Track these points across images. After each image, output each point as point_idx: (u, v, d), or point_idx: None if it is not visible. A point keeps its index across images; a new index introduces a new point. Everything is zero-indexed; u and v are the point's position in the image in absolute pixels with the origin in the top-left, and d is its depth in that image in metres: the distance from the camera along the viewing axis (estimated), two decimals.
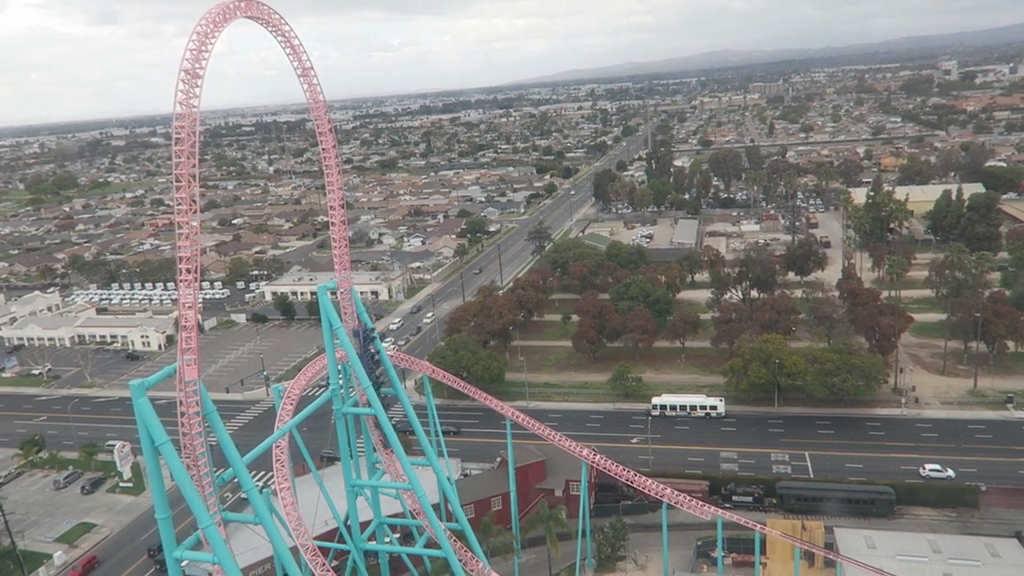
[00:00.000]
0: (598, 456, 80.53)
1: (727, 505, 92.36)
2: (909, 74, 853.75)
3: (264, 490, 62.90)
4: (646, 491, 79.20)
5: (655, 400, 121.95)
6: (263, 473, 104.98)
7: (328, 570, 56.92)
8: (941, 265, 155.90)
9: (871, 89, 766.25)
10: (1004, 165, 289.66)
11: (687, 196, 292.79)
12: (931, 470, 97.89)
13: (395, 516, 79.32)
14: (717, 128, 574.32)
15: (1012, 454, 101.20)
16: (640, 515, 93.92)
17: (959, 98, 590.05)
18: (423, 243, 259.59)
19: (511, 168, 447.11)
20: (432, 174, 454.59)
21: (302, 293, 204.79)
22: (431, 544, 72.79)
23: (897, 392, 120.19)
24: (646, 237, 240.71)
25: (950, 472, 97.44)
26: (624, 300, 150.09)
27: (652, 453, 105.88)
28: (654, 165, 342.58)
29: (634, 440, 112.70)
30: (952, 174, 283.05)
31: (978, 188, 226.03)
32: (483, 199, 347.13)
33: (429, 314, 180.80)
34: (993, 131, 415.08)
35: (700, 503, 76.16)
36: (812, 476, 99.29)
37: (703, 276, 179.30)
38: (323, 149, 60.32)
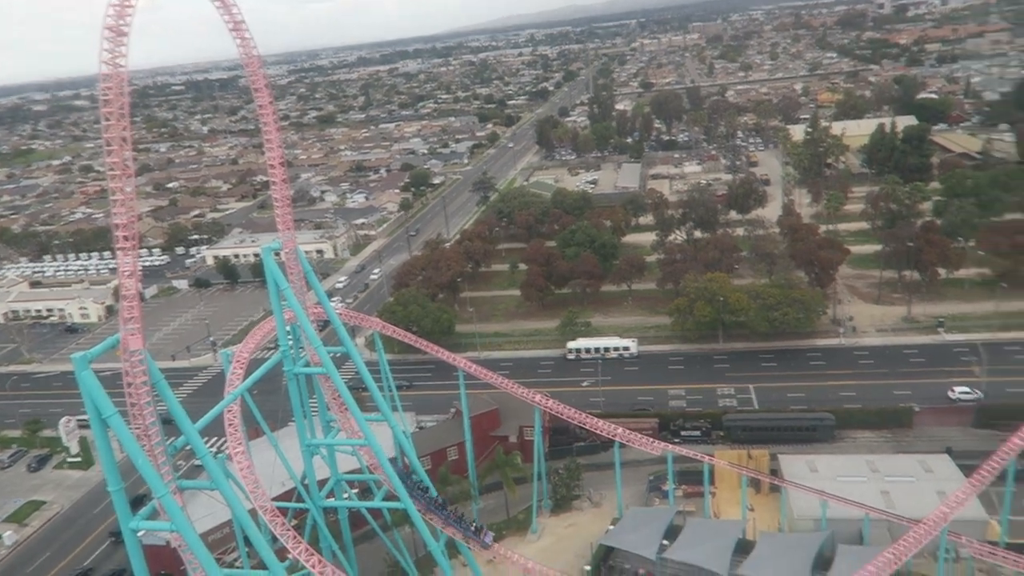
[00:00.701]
0: (551, 401, 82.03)
1: (676, 440, 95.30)
2: (844, 9, 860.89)
3: (218, 455, 62.65)
4: (598, 432, 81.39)
5: (570, 344, 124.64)
6: (216, 439, 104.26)
7: (288, 528, 57.32)
8: (876, 198, 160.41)
9: (808, 25, 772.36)
10: (935, 97, 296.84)
11: (630, 140, 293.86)
12: (960, 392, 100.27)
13: (352, 472, 79.90)
14: (658, 70, 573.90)
15: (942, 375, 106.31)
16: (593, 455, 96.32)
17: (892, 32, 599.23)
18: (366, 199, 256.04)
19: (453, 118, 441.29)
20: (372, 128, 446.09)
21: (245, 255, 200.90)
22: (390, 497, 73.69)
23: (836, 323, 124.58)
24: (590, 183, 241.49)
25: (979, 393, 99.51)
26: (571, 246, 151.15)
27: (603, 395, 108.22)
28: (596, 110, 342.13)
29: (585, 383, 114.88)
30: (886, 107, 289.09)
31: (911, 121, 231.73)
32: (426, 151, 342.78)
33: (376, 270, 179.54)
34: (925, 63, 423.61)
35: (650, 440, 78.48)
36: (757, 408, 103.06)
37: (647, 219, 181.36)
38: (259, 106, 58.55)
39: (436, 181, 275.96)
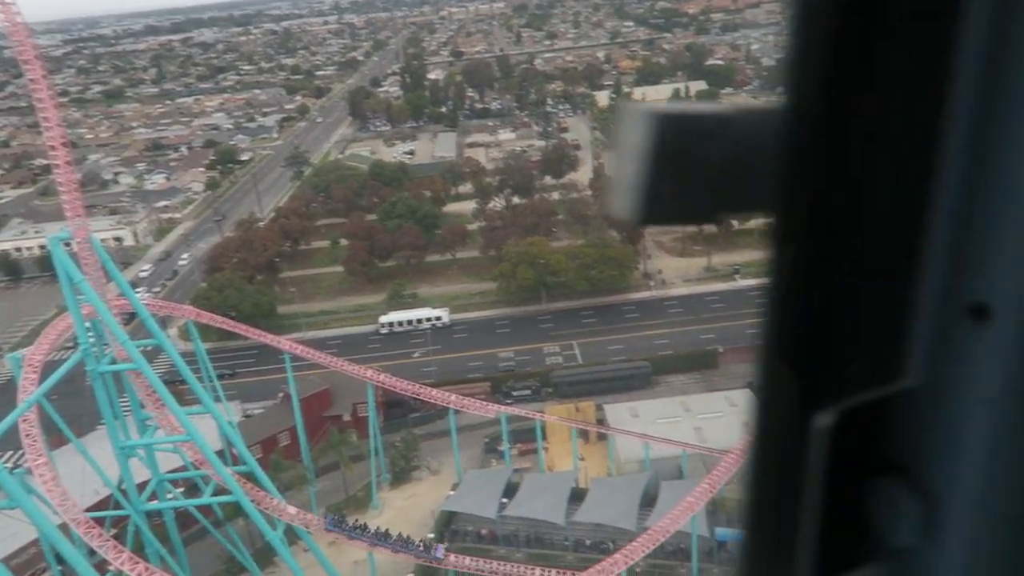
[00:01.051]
0: (382, 375, 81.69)
1: (509, 401, 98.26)
2: None
3: (15, 470, 56.83)
4: (432, 401, 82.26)
5: (382, 319, 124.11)
6: (11, 453, 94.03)
7: (106, 539, 53.31)
8: None
9: None
10: (722, 63, 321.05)
11: (444, 109, 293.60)
12: None
13: (176, 471, 75.44)
14: (467, 39, 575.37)
15: (740, 317, 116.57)
16: (430, 425, 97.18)
17: (682, 2, 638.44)
18: (168, 179, 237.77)
19: (258, 91, 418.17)
20: (168, 103, 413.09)
21: (29, 248, 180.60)
22: (220, 492, 70.40)
23: (647, 277, 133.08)
24: (408, 153, 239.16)
25: None
26: (392, 219, 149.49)
27: (435, 364, 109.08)
28: (408, 79, 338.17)
29: (416, 354, 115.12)
30: (680, 73, 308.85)
31: (701, 85, 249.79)
32: (231, 126, 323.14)
33: (185, 255, 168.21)
34: (711, 32, 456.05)
35: (483, 403, 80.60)
36: (581, 363, 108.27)
37: (467, 187, 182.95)
38: (31, 81, 52.63)
39: (244, 158, 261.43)
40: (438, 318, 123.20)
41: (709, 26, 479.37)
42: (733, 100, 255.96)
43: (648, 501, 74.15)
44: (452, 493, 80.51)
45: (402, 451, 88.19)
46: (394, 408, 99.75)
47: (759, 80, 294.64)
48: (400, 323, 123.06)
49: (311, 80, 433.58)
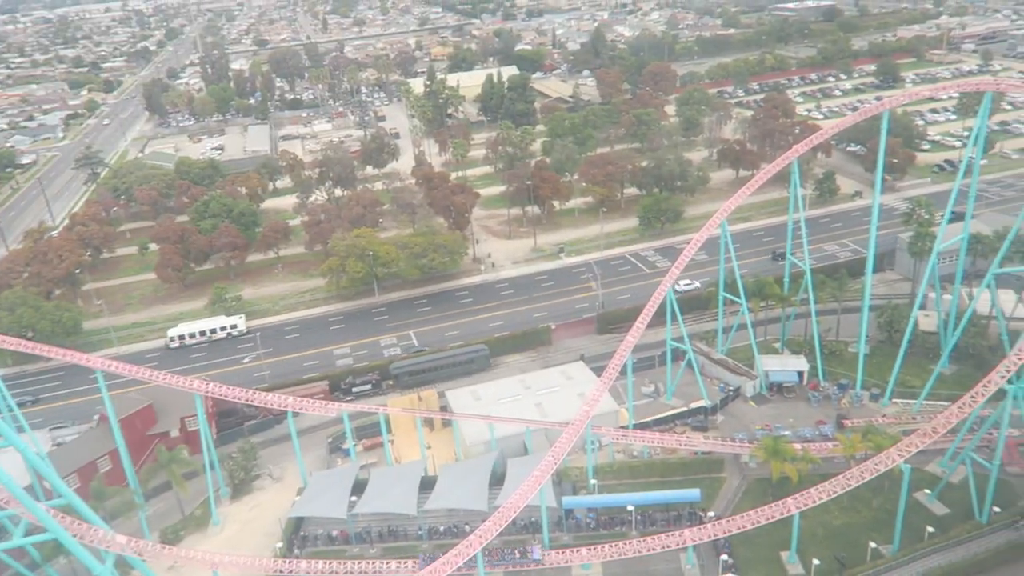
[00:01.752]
0: (211, 384, 77.00)
1: (349, 398, 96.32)
2: None
3: None
4: (268, 406, 78.75)
5: (171, 332, 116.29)
6: None
7: None
8: (494, 142, 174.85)
9: None
10: (530, 48, 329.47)
11: (252, 101, 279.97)
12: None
13: None
14: (270, 26, 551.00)
15: (569, 294, 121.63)
16: (268, 431, 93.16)
17: None
18: None
19: (35, 86, 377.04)
20: None
21: None
22: (34, 531, 63.51)
23: (477, 261, 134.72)
24: (217, 149, 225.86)
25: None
26: (206, 219, 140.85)
27: (267, 368, 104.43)
28: (210, 70, 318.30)
29: (246, 359, 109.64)
30: (491, 59, 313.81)
31: (513, 70, 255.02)
32: (5, 126, 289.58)
33: None
34: (517, 17, 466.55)
35: (323, 403, 78.23)
36: (420, 351, 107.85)
37: (285, 182, 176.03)
38: None
39: (26, 161, 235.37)
40: (233, 326, 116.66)
41: (515, 12, 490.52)
42: (544, 84, 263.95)
43: (497, 480, 75.48)
44: (298, 498, 77.63)
45: (240, 461, 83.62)
46: (227, 418, 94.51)
47: (567, 64, 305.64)
48: (192, 335, 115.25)
49: (97, 73, 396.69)
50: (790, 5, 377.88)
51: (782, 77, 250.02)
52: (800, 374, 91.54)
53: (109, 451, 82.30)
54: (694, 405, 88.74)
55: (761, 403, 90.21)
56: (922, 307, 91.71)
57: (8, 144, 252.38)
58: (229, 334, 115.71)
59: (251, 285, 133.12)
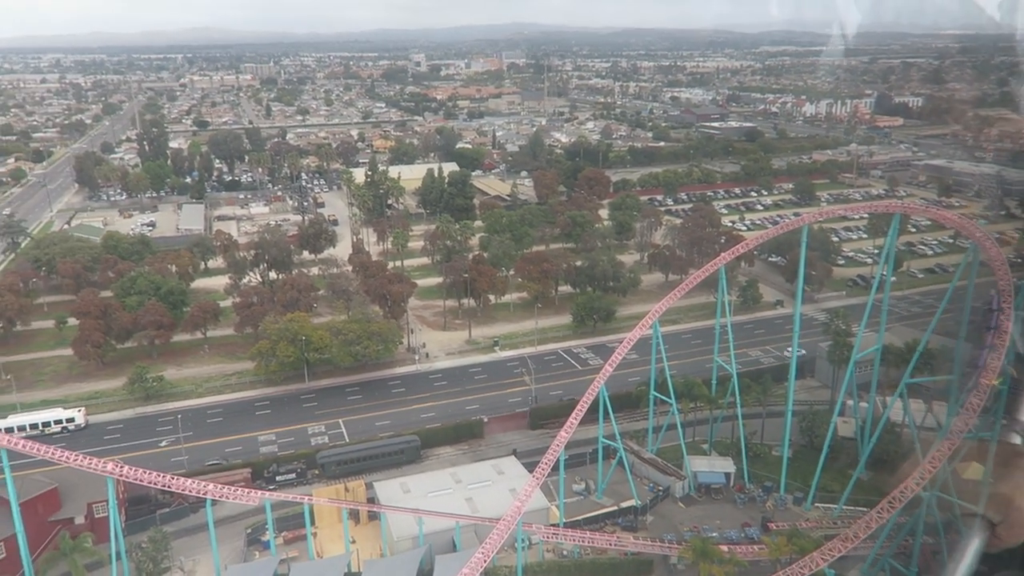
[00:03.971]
0: (126, 468, 73.29)
1: (272, 487, 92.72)
2: (387, 63, 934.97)
3: None
4: (186, 492, 75.19)
5: None
6: None
7: None
8: (433, 235, 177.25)
9: (356, 75, 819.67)
10: (470, 147, 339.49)
11: (189, 179, 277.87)
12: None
13: None
14: (212, 108, 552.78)
15: (502, 387, 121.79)
16: (182, 520, 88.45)
17: (430, 87, 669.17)
18: None
19: None
20: None
21: None
22: None
23: (411, 351, 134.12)
24: (148, 225, 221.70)
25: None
26: (132, 295, 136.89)
27: (186, 452, 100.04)
28: (147, 147, 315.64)
29: (163, 443, 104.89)
30: (432, 154, 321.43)
31: (453, 166, 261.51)
32: None
33: None
34: (458, 117, 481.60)
35: (246, 491, 75.12)
36: (348, 440, 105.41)
37: (218, 262, 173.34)
38: None
39: None
40: (70, 420, 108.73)
41: (457, 112, 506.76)
42: (483, 182, 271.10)
43: None
44: None
45: (150, 553, 78.56)
46: (139, 505, 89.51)
47: (505, 164, 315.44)
48: (22, 427, 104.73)
49: (27, 142, 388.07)
50: (715, 124, 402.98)
51: (708, 189, 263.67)
52: (727, 475, 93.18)
53: (5, 537, 76.54)
54: (624, 504, 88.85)
55: (690, 504, 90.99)
56: (841, 414, 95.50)
57: None
58: (65, 428, 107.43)
59: (175, 366, 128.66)
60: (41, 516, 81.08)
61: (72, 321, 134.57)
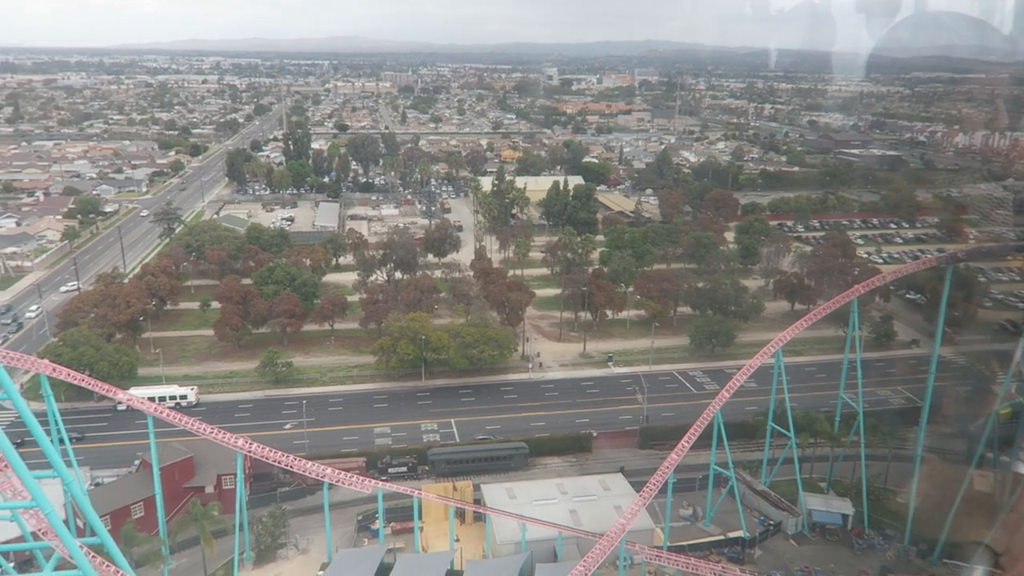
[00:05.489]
0: (255, 445, 77.94)
1: (384, 477, 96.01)
2: (520, 76, 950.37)
3: None
4: (306, 473, 79.02)
5: (120, 396, 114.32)
6: None
7: None
8: (554, 246, 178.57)
9: (490, 86, 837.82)
10: (596, 162, 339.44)
11: (327, 179, 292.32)
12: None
13: (11, 541, 68.05)
14: (352, 113, 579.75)
15: (613, 403, 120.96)
16: (299, 499, 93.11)
17: (560, 101, 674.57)
18: (18, 224, 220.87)
19: (127, 142, 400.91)
20: (24, 144, 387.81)
21: None
22: (63, 566, 63.93)
23: (525, 359, 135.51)
24: (287, 220, 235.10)
25: None
26: (269, 284, 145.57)
27: (307, 437, 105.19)
28: (291, 146, 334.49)
29: (288, 426, 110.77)
30: (558, 167, 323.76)
31: (579, 180, 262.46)
32: (94, 175, 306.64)
33: (34, 306, 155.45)
34: (587, 132, 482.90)
35: (361, 478, 78.20)
36: (459, 441, 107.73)
37: (348, 259, 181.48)
38: None
39: (108, 209, 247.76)
40: (183, 397, 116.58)
41: (585, 126, 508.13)
42: (607, 197, 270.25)
43: None
44: (321, 573, 76.78)
45: (269, 527, 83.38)
46: (262, 481, 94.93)
47: (631, 180, 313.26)
48: (141, 400, 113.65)
49: (187, 137, 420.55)
50: (855, 151, 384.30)
51: (843, 218, 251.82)
52: (845, 517, 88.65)
53: (145, 498, 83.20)
54: (732, 535, 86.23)
55: (802, 542, 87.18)
56: (978, 466, 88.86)
57: (95, 192, 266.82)
58: (178, 403, 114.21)
59: (303, 353, 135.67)
60: (177, 482, 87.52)
61: (215, 304, 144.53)
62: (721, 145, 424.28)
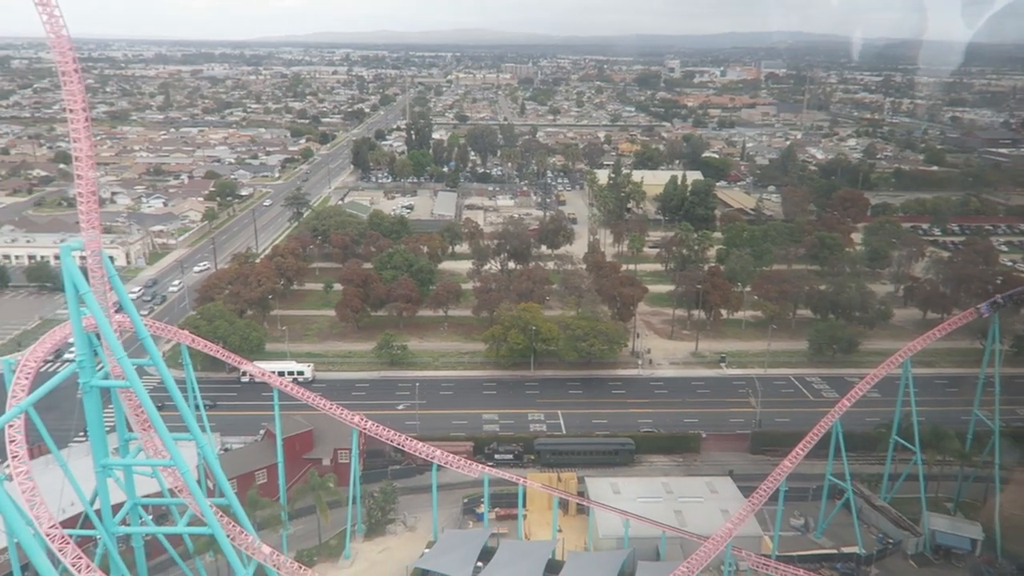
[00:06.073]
0: (369, 422, 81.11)
1: (490, 463, 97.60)
2: (641, 68, 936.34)
3: None
4: (417, 454, 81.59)
5: (244, 367, 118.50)
6: None
7: (80, 556, 52.01)
8: (670, 242, 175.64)
9: (609, 79, 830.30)
10: (717, 157, 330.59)
11: (446, 169, 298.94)
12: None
13: (151, 496, 73.95)
14: (473, 104, 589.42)
15: (724, 405, 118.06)
16: (408, 478, 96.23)
17: (681, 94, 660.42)
18: (165, 204, 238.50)
19: (263, 129, 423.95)
20: (173, 130, 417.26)
21: (17, 256, 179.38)
22: (195, 522, 68.98)
23: (635, 355, 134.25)
24: (407, 207, 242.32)
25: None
26: (388, 269, 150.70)
27: (418, 418, 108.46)
28: (414, 136, 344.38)
29: (400, 407, 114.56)
30: (677, 162, 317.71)
31: (697, 175, 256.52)
32: (233, 160, 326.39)
33: (177, 281, 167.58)
34: (708, 126, 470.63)
35: (469, 462, 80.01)
36: (565, 432, 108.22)
37: (463, 247, 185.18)
38: (67, 93, 53.42)
39: (244, 192, 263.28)
40: (300, 372, 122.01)
41: (707, 120, 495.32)
42: (727, 193, 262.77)
43: None
44: (427, 550, 79.26)
45: (380, 502, 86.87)
46: (374, 458, 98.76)
47: (752, 177, 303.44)
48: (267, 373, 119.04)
49: (317, 125, 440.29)
50: (1004, 151, 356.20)
51: (987, 222, 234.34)
52: (973, 542, 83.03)
53: (268, 465, 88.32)
54: (846, 550, 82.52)
55: (922, 564, 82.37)
56: None
57: (233, 176, 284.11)
58: (296, 379, 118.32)
59: (417, 337, 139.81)
60: (297, 452, 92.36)
61: (337, 287, 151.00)
62: (852, 142, 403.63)
